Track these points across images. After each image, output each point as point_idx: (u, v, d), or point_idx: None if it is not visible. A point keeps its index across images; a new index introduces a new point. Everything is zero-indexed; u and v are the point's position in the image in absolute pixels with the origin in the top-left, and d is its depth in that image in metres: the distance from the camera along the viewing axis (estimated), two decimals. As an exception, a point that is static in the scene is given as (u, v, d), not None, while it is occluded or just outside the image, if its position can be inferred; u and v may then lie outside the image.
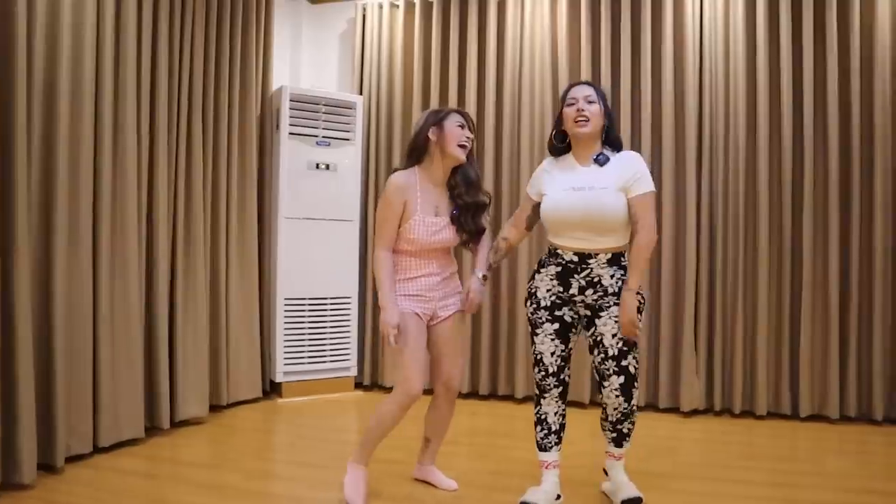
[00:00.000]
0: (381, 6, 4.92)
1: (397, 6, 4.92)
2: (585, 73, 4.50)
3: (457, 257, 3.03)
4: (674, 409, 4.33)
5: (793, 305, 4.26)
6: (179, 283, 3.80)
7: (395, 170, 2.85)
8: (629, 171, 2.59)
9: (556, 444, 2.73)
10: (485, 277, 2.85)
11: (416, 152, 2.80)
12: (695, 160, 4.36)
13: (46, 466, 2.93)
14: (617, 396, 2.56)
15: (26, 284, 2.76)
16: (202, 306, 3.91)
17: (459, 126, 2.75)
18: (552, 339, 2.66)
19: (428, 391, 2.76)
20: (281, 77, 4.82)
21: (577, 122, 2.59)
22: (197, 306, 3.88)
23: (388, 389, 4.77)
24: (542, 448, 2.73)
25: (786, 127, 4.22)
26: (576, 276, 2.61)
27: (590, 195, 2.55)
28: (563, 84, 4.54)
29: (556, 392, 2.70)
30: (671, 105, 4.39)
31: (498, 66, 4.74)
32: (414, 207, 2.72)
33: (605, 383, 2.59)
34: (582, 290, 2.61)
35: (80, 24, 3.08)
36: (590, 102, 2.59)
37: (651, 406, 4.38)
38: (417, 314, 2.74)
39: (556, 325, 2.65)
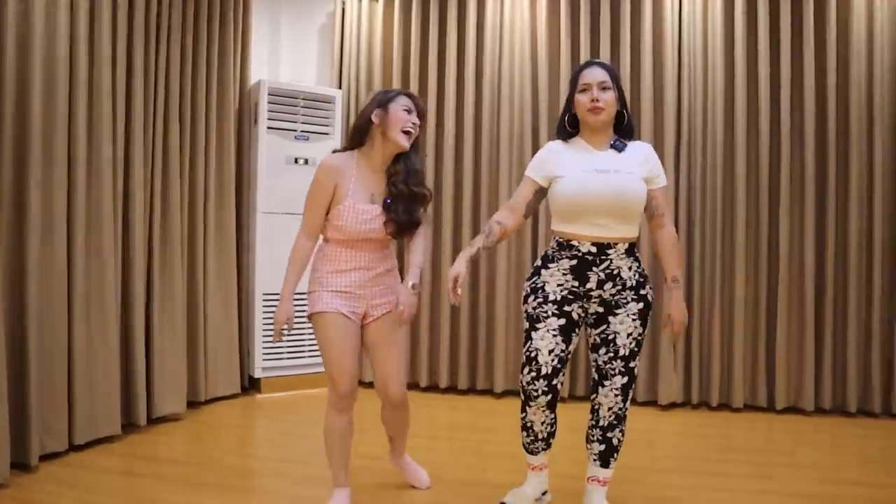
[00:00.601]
0: (360, 0, 4.90)
1: (377, 0, 4.90)
2: (565, 67, 4.52)
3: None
4: (652, 403, 4.37)
5: (769, 300, 4.31)
6: (156, 278, 3.75)
7: (335, 151, 2.65)
8: (650, 161, 2.49)
9: (544, 449, 2.59)
10: (414, 287, 2.53)
11: (358, 134, 2.58)
12: (673, 154, 4.39)
13: (20, 465, 2.89)
14: (616, 396, 2.42)
15: (-2, 281, 2.72)
16: (179, 302, 3.87)
17: (406, 110, 2.53)
18: (554, 336, 2.41)
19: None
20: (259, 71, 4.78)
21: (591, 111, 2.43)
22: (174, 302, 3.84)
23: (367, 385, 4.77)
24: (529, 452, 2.60)
25: (763, 122, 4.26)
26: (594, 268, 2.42)
27: (617, 178, 2.39)
28: (542, 78, 4.56)
29: (543, 400, 2.42)
30: (650, 100, 4.41)
31: (477, 60, 4.73)
32: (345, 192, 2.50)
33: (607, 382, 2.43)
34: (601, 284, 2.43)
35: (52, 16, 3.03)
36: (604, 89, 2.42)
37: (648, 402, 4.40)
38: (344, 314, 2.53)
39: (563, 322, 2.43)
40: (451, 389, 4.71)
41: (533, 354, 2.41)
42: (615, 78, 2.46)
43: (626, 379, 2.42)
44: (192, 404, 4.06)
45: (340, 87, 4.93)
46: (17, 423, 2.87)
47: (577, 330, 2.48)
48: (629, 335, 2.42)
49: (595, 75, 2.44)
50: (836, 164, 4.21)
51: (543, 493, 2.64)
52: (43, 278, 3.01)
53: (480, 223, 4.67)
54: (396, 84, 4.78)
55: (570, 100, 2.52)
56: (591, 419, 2.50)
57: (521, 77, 4.62)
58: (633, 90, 4.46)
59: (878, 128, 4.14)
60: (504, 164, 4.60)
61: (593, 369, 2.49)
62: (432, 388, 4.74)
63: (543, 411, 2.46)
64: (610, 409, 2.44)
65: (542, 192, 2.56)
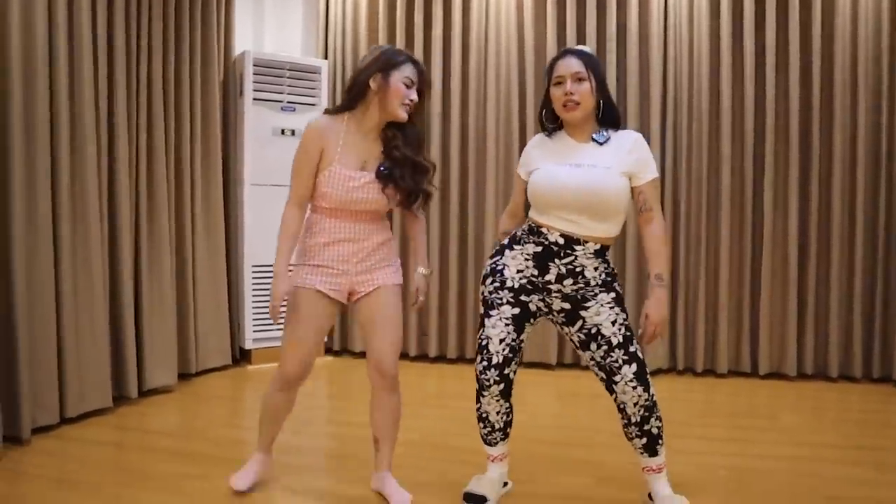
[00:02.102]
0: (344, -32, 4.85)
1: (361, -32, 4.85)
2: (552, 46, 4.50)
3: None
4: (638, 370, 4.43)
5: (753, 268, 4.37)
6: (144, 251, 3.75)
7: (326, 112, 2.43)
8: (634, 154, 2.30)
9: (502, 439, 2.48)
10: (425, 275, 2.49)
11: (352, 97, 2.35)
12: (658, 124, 4.41)
13: (12, 438, 2.92)
14: (635, 388, 2.23)
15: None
16: (168, 275, 3.88)
17: (407, 84, 2.32)
18: (506, 325, 2.31)
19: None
20: (244, 42, 4.73)
21: (565, 106, 2.28)
22: (163, 275, 3.85)
23: (359, 354, 4.82)
24: (487, 443, 2.50)
25: (748, 89, 4.29)
26: (556, 260, 2.29)
27: (590, 173, 2.24)
28: (529, 48, 4.54)
29: (496, 390, 2.34)
30: (635, 61, 4.41)
31: (464, 25, 4.70)
32: (332, 157, 2.31)
33: (616, 377, 2.25)
34: (560, 279, 2.30)
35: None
36: (579, 80, 2.26)
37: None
38: (322, 292, 2.36)
39: (517, 311, 2.32)
40: (441, 359, 4.77)
41: (484, 343, 2.33)
42: (592, 66, 2.29)
43: (634, 366, 2.24)
44: (184, 376, 4.09)
45: (326, 58, 4.89)
46: (8, 397, 2.89)
47: (532, 321, 2.37)
48: (614, 322, 2.27)
49: (569, 65, 2.28)
50: (819, 129, 4.24)
51: (505, 484, 2.54)
52: (29, 253, 3.00)
53: (468, 193, 4.69)
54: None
55: (548, 92, 2.36)
56: (622, 418, 2.32)
57: (508, 49, 4.60)
58: (619, 57, 4.45)
59: (861, 94, 4.17)
60: (490, 138, 4.62)
61: (595, 369, 2.32)
62: (421, 357, 4.79)
63: (497, 401, 2.37)
64: (636, 403, 2.26)
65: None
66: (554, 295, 2.33)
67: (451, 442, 3.11)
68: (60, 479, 2.61)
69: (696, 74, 4.36)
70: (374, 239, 2.41)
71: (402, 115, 2.32)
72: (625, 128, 2.42)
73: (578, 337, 2.32)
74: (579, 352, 2.37)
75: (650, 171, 2.33)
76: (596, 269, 2.31)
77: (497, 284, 2.35)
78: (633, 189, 2.32)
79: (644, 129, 4.38)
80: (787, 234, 4.28)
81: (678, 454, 2.95)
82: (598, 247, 2.31)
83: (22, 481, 2.60)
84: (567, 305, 2.32)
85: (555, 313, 2.36)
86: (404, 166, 2.35)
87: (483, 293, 2.40)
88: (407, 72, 2.33)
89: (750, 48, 4.25)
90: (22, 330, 2.92)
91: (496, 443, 2.47)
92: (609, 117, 2.36)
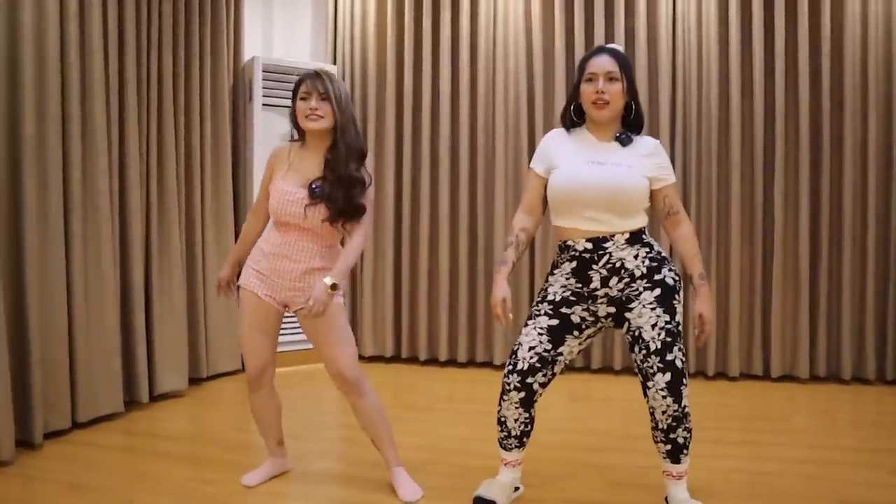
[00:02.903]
0: (352, -27, 4.86)
1: (369, -27, 4.86)
2: (560, 50, 4.49)
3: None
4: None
5: (764, 270, 4.35)
6: (154, 255, 3.77)
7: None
8: (657, 159, 2.32)
9: (517, 446, 2.44)
10: (334, 287, 2.34)
11: (294, 126, 2.51)
12: (668, 126, 4.40)
13: (25, 443, 2.93)
14: (664, 397, 2.19)
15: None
16: (178, 279, 3.89)
17: (303, 99, 2.41)
18: (539, 333, 2.30)
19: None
20: (253, 47, 4.75)
21: (594, 103, 2.26)
22: (173, 279, 3.86)
23: (366, 359, 4.81)
24: (502, 447, 2.47)
25: (757, 93, 4.27)
26: (594, 266, 2.27)
27: (614, 171, 2.24)
28: (537, 55, 4.54)
29: (516, 396, 2.32)
30: (644, 69, 4.40)
31: (472, 33, 4.71)
32: (278, 175, 2.47)
33: (650, 384, 2.22)
34: (605, 282, 2.27)
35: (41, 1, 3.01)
36: (611, 79, 2.24)
37: (627, 370, 4.45)
38: (258, 295, 2.47)
39: (554, 322, 2.31)
40: (451, 363, 4.76)
41: (515, 348, 2.34)
42: (625, 67, 2.28)
43: (668, 375, 2.18)
44: (194, 381, 4.10)
45: (335, 63, 4.90)
46: (20, 401, 2.90)
47: (576, 333, 2.33)
48: (654, 326, 2.22)
49: (603, 64, 2.26)
50: (830, 133, 4.22)
51: (516, 489, 2.52)
52: (41, 258, 3.02)
53: (477, 197, 4.69)
54: (390, 58, 4.77)
55: (577, 87, 2.33)
56: (651, 422, 2.31)
57: (516, 53, 4.61)
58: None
59: (871, 97, 4.15)
60: (500, 144, 4.61)
61: (637, 372, 2.30)
62: (431, 361, 4.78)
63: (517, 408, 2.34)
64: (664, 412, 2.22)
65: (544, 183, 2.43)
66: (600, 301, 2.30)
67: (461, 446, 3.10)
68: (73, 484, 2.61)
69: (705, 81, 4.34)
70: (311, 263, 2.45)
71: (310, 125, 2.40)
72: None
73: (627, 339, 2.31)
74: (630, 353, 2.34)
75: (671, 176, 2.35)
76: (636, 256, 2.28)
77: (539, 299, 2.38)
78: (655, 194, 2.33)
79: (653, 136, 4.36)
80: (798, 237, 4.26)
81: (691, 458, 2.92)
82: (626, 236, 2.28)
83: (34, 486, 2.60)
84: (612, 309, 2.31)
85: (603, 320, 2.34)
86: (338, 185, 2.38)
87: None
88: (303, 88, 2.42)
89: (759, 54, 4.23)
90: (34, 336, 2.93)
91: (511, 448, 2.45)
92: (636, 120, 2.36)
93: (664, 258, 2.34)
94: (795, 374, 4.28)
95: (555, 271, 2.39)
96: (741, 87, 4.29)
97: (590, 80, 2.28)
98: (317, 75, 2.42)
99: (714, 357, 4.35)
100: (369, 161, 2.50)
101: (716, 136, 4.32)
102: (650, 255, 2.30)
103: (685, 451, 2.31)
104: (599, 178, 2.24)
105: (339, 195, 2.37)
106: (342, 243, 2.53)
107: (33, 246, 2.96)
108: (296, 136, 2.56)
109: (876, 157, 4.16)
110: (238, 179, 4.55)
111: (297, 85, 2.44)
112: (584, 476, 2.74)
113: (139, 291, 3.63)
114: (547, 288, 2.38)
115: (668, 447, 2.30)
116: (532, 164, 2.45)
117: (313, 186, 2.39)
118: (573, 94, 2.37)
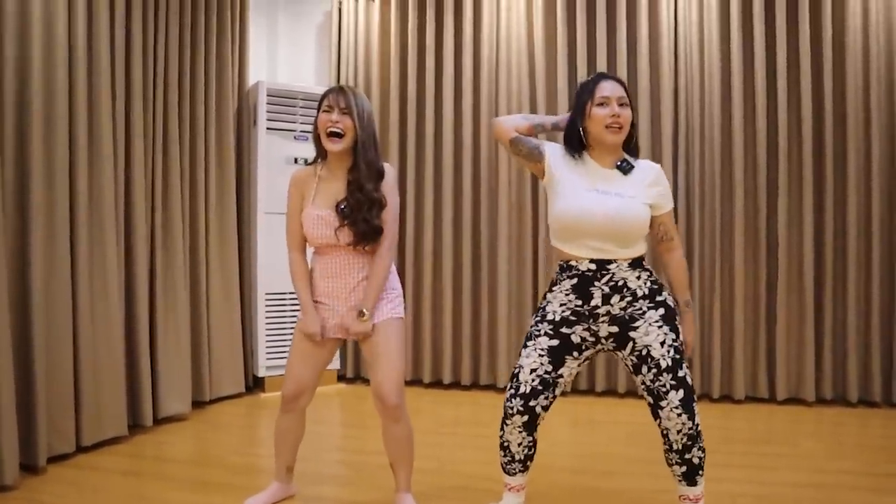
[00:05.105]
0: (357, -1, 4.92)
1: (373, -1, 4.92)
2: (562, 67, 4.53)
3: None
4: (654, 396, 4.39)
5: (769, 292, 4.33)
6: (159, 279, 3.78)
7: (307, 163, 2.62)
8: (657, 187, 2.33)
9: (521, 471, 2.43)
10: (361, 314, 2.44)
11: (315, 144, 2.52)
12: (671, 144, 4.42)
13: (28, 467, 2.92)
14: (679, 415, 2.18)
15: (3, 283, 2.74)
16: (182, 303, 3.90)
17: (325, 111, 2.43)
18: (539, 355, 2.29)
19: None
20: (257, 72, 4.80)
21: (609, 128, 2.27)
22: (177, 303, 3.87)
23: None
24: (506, 472, 2.45)
25: (760, 112, 4.28)
26: (596, 283, 2.27)
27: (617, 202, 2.25)
28: (540, 81, 4.58)
29: (518, 420, 2.30)
30: (647, 90, 4.43)
31: (475, 58, 4.75)
32: (308, 201, 2.50)
33: (663, 403, 2.19)
34: (606, 299, 2.27)
35: (51, 17, 3.04)
36: (622, 105, 2.27)
37: (631, 393, 4.44)
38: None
39: (554, 343, 2.29)
40: (455, 385, 4.75)
41: (516, 371, 2.32)
42: (629, 94, 2.33)
43: (681, 392, 2.19)
44: (198, 404, 4.09)
45: (339, 87, 4.94)
46: (24, 425, 2.90)
47: (575, 354, 2.32)
48: (663, 343, 2.22)
49: (615, 89, 2.29)
50: (833, 153, 4.23)
51: None
52: (47, 283, 3.03)
53: (481, 220, 4.70)
54: (394, 83, 4.81)
55: (581, 111, 2.32)
56: (665, 444, 2.27)
57: (519, 76, 4.64)
58: (629, 84, 4.47)
59: (874, 115, 4.16)
60: (503, 165, 4.63)
61: (643, 393, 2.27)
62: (435, 384, 4.77)
63: (520, 432, 2.32)
64: (679, 431, 2.20)
65: (535, 155, 2.40)
66: (601, 320, 2.29)
67: (466, 469, 3.08)
68: (76, 509, 2.60)
69: (707, 102, 4.37)
70: (360, 275, 2.50)
71: (330, 146, 2.43)
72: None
73: (631, 360, 2.28)
74: (633, 377, 2.32)
75: (669, 203, 2.39)
76: (638, 277, 2.30)
77: (538, 318, 2.37)
78: (652, 219, 2.34)
79: (656, 156, 4.39)
80: (802, 257, 4.26)
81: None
82: (629, 262, 2.30)
83: (38, 510, 2.60)
84: (615, 329, 2.29)
85: (603, 340, 2.32)
86: (358, 209, 2.42)
87: (528, 330, 2.41)
88: (326, 101, 2.44)
89: (761, 72, 4.26)
90: (38, 359, 2.94)
91: (515, 473, 2.43)
92: (633, 146, 2.40)
93: (662, 284, 2.37)
94: (801, 396, 4.26)
95: (553, 288, 2.38)
96: (743, 105, 4.31)
97: (602, 104, 2.28)
98: (341, 90, 2.46)
99: (719, 379, 4.33)
100: (392, 175, 2.51)
101: (718, 156, 4.33)
102: (650, 278, 2.33)
103: (701, 472, 2.29)
104: (604, 208, 2.25)
105: (360, 217, 2.42)
106: None
107: (39, 273, 2.97)
108: (309, 159, 2.59)
109: (880, 174, 4.15)
110: (242, 203, 4.57)
111: (323, 97, 2.47)
112: (591, 500, 2.72)
113: (143, 315, 3.63)
114: (545, 306, 2.37)
115: (684, 469, 2.27)
116: (540, 145, 2.41)
117: (341, 208, 2.43)
118: (580, 114, 2.33)
